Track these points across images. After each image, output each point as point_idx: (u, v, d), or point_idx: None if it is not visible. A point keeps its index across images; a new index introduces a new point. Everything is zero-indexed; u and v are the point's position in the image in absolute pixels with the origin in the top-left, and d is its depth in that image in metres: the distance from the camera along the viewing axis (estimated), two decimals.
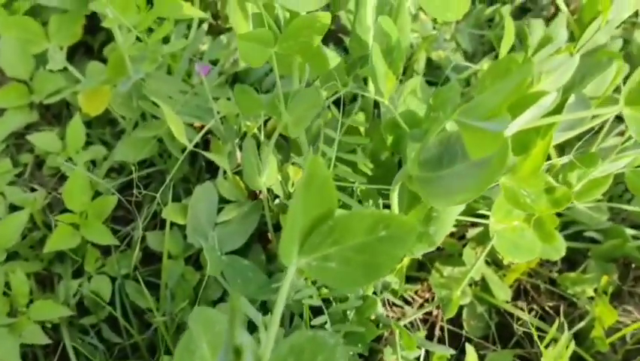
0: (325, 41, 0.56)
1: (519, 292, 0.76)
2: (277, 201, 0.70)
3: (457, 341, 0.72)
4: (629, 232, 0.73)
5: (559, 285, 0.74)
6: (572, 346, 0.60)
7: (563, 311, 0.72)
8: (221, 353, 0.31)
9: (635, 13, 0.67)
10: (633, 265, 0.76)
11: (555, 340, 0.62)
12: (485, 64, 0.82)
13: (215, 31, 0.94)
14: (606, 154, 0.61)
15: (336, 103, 0.64)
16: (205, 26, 0.86)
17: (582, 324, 0.67)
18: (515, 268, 0.72)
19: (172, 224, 0.70)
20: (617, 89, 0.60)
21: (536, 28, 0.47)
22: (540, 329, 0.69)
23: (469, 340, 0.71)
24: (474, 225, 0.74)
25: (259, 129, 0.73)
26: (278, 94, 0.59)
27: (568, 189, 0.52)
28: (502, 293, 0.70)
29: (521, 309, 0.73)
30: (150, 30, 0.76)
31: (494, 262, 0.74)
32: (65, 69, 0.81)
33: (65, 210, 0.71)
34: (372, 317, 0.63)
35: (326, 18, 0.54)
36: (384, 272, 0.35)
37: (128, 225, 0.79)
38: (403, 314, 0.72)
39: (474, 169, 0.41)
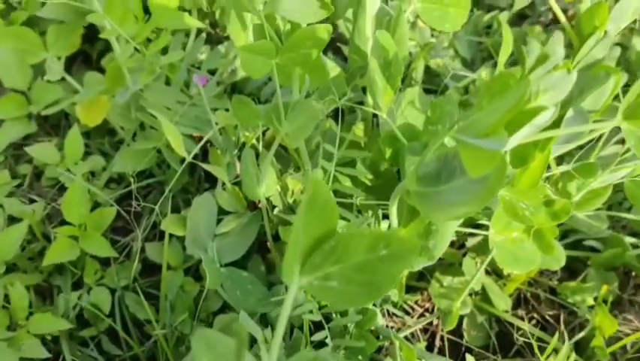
0: (324, 50, 0.56)
1: (519, 301, 0.76)
2: (276, 210, 0.70)
3: (457, 351, 0.72)
4: (629, 240, 0.72)
5: (559, 294, 0.74)
6: (573, 356, 0.60)
7: (563, 320, 0.72)
8: None
9: (633, 20, 0.67)
10: (633, 274, 0.76)
11: (556, 350, 0.62)
12: (483, 72, 0.81)
13: (213, 40, 0.94)
14: (606, 162, 0.61)
15: (336, 112, 0.64)
16: (203, 35, 0.85)
17: (582, 334, 0.67)
18: (515, 278, 0.72)
19: (171, 235, 0.70)
20: (617, 97, 0.60)
21: (534, 47, 0.47)
22: (540, 339, 0.69)
23: (470, 350, 0.71)
24: (473, 233, 0.74)
25: (258, 140, 0.73)
26: (278, 105, 0.59)
27: (567, 202, 0.51)
28: (502, 303, 0.70)
29: (521, 318, 0.73)
30: (148, 40, 0.76)
31: (494, 271, 0.74)
32: (63, 79, 0.81)
33: (64, 221, 0.71)
34: (372, 328, 0.63)
35: (327, 30, 0.54)
36: (384, 291, 0.35)
37: (128, 235, 0.79)
38: (403, 324, 0.72)
39: (472, 185, 0.41)
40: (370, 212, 0.63)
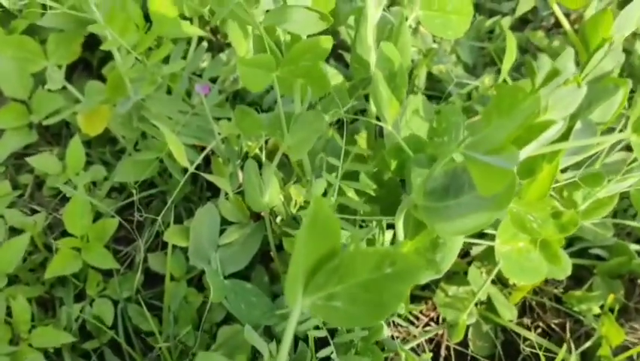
0: (325, 58, 0.56)
1: (524, 310, 0.75)
2: (279, 219, 0.70)
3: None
4: (635, 247, 0.72)
5: (564, 302, 0.74)
6: None
7: (569, 329, 0.72)
8: None
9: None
10: (639, 281, 0.75)
11: (563, 360, 0.61)
12: (487, 78, 0.81)
13: (215, 47, 0.94)
14: (611, 169, 0.61)
15: (339, 120, 0.64)
16: (205, 44, 0.85)
17: (589, 343, 0.67)
18: (521, 287, 0.71)
19: (174, 245, 0.70)
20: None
21: (544, 63, 0.47)
22: (547, 348, 0.68)
23: (476, 359, 0.71)
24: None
25: (260, 149, 0.72)
26: (280, 116, 0.59)
27: (574, 213, 0.51)
28: (507, 312, 0.70)
29: (527, 327, 0.73)
30: (150, 49, 0.75)
31: (499, 280, 0.73)
32: (64, 88, 0.81)
33: (66, 231, 0.71)
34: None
35: (328, 42, 0.54)
36: (390, 310, 0.34)
37: (130, 245, 0.78)
38: (408, 334, 0.71)
39: (481, 201, 0.40)
40: (374, 223, 0.63)
